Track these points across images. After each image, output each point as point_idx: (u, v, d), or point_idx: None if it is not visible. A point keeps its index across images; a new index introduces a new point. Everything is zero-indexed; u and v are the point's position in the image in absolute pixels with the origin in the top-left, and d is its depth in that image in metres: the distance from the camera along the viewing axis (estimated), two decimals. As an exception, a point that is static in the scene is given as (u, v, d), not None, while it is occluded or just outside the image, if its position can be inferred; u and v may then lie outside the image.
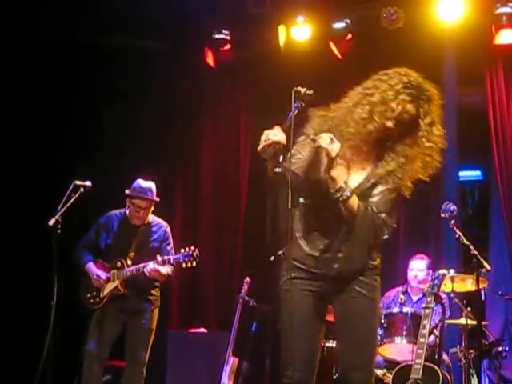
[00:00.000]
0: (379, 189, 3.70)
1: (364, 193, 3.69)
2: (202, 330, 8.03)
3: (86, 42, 8.22)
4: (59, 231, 5.62)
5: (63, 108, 8.16)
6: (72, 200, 5.77)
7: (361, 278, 3.76)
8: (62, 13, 7.83)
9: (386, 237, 3.68)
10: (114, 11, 7.76)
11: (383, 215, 3.64)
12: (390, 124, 3.67)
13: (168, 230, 6.60)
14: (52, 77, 8.02)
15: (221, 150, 9.01)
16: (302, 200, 3.84)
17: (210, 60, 8.53)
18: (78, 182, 5.84)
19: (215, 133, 9.06)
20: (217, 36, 8.35)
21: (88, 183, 5.90)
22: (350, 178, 3.72)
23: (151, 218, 6.55)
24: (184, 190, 8.97)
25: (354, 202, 3.62)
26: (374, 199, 3.68)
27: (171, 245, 6.56)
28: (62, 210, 5.69)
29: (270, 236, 3.91)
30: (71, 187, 5.80)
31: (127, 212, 6.51)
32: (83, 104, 8.23)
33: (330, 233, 3.74)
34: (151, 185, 6.45)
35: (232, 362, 7.30)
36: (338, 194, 3.60)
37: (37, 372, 5.51)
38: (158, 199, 6.48)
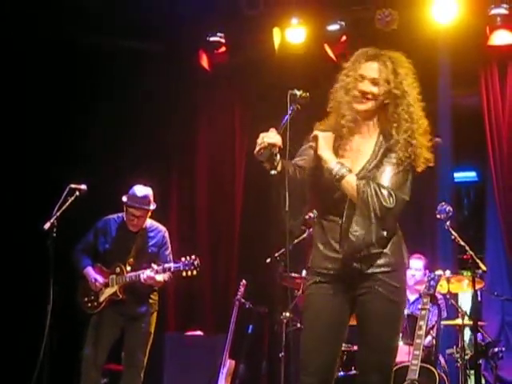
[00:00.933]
0: (383, 167, 3.72)
1: (369, 174, 3.72)
2: (199, 332, 8.02)
3: (82, 43, 8.21)
4: (55, 235, 5.62)
5: (60, 110, 8.15)
6: (67, 203, 5.77)
7: (384, 278, 3.70)
8: (60, 13, 7.82)
9: (391, 206, 3.62)
10: (110, 13, 7.76)
11: (387, 186, 3.65)
12: (365, 88, 3.76)
13: (166, 234, 6.59)
14: (49, 77, 8.01)
15: (216, 152, 9.01)
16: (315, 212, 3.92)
17: (204, 62, 8.52)
18: (73, 186, 5.85)
19: (210, 135, 9.06)
20: (211, 38, 8.36)
21: (83, 187, 5.90)
22: (358, 163, 3.77)
23: (149, 222, 6.54)
24: (180, 193, 8.97)
25: (351, 179, 3.65)
26: (379, 176, 3.70)
27: (169, 250, 6.55)
28: (58, 214, 5.69)
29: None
30: (66, 191, 5.81)
31: (125, 217, 6.51)
32: (80, 105, 8.22)
33: (342, 231, 3.72)
34: (147, 192, 6.41)
35: (228, 364, 7.29)
36: (333, 173, 3.65)
37: (33, 376, 5.51)
38: (152, 207, 6.45)
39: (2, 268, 7.73)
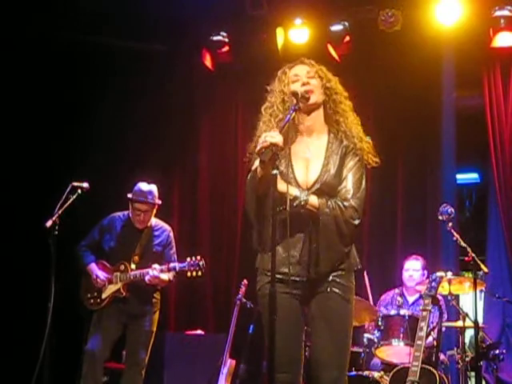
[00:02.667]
0: (345, 173, 3.79)
1: (327, 184, 3.78)
2: (200, 331, 8.02)
3: (84, 42, 8.21)
4: (56, 233, 5.63)
5: (62, 108, 8.16)
6: (69, 201, 5.78)
7: (337, 279, 3.78)
8: (60, 13, 7.82)
9: (357, 222, 3.74)
10: (114, 13, 7.77)
11: (351, 201, 3.73)
12: (305, 81, 3.85)
13: (171, 234, 6.61)
14: (50, 77, 8.01)
15: (218, 152, 9.01)
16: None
17: (207, 62, 8.53)
18: (75, 184, 5.86)
19: (213, 135, 9.06)
20: (215, 38, 8.36)
21: (85, 185, 5.90)
22: (313, 167, 3.82)
23: (154, 221, 6.56)
24: (182, 192, 8.96)
25: (314, 201, 3.71)
26: (342, 186, 3.77)
27: (174, 249, 6.57)
28: (60, 212, 5.70)
29: (256, 242, 3.91)
30: (68, 189, 5.81)
31: (130, 215, 6.52)
32: (82, 104, 8.22)
33: (301, 238, 3.77)
34: (152, 188, 6.47)
35: (229, 363, 7.29)
36: (296, 203, 3.67)
37: (33, 375, 5.51)
38: (159, 202, 6.49)
39: (4, 266, 7.74)
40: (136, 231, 6.50)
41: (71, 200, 5.80)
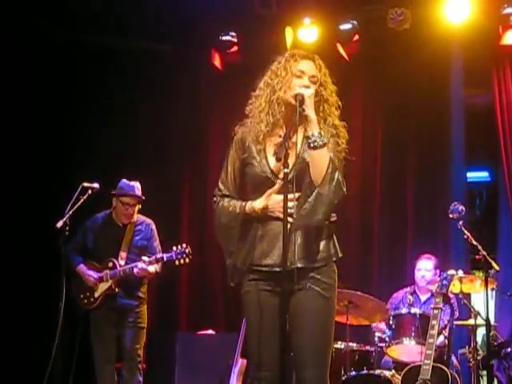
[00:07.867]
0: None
1: (303, 170, 3.69)
2: (211, 331, 8.03)
3: (91, 43, 8.23)
4: (67, 233, 5.65)
5: (72, 108, 8.19)
6: (80, 202, 5.81)
7: (317, 276, 3.68)
8: (65, 13, 7.84)
9: (344, 192, 3.62)
10: (123, 12, 7.78)
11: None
12: (306, 83, 3.78)
13: (153, 227, 6.68)
14: (57, 78, 8.04)
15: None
16: None
17: (216, 62, 8.54)
18: (85, 184, 5.90)
19: (221, 135, 9.05)
20: (224, 38, 8.38)
21: (96, 185, 5.94)
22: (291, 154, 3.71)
23: (136, 217, 6.61)
24: (191, 192, 8.96)
25: (326, 152, 3.63)
26: None
27: (157, 241, 6.64)
28: (70, 212, 5.73)
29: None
30: (79, 189, 5.84)
31: (112, 213, 6.57)
32: (92, 105, 8.24)
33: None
34: (137, 184, 6.53)
35: (240, 363, 7.28)
36: (312, 138, 3.62)
37: (45, 375, 5.54)
38: (143, 197, 6.55)
39: (15, 267, 7.76)
40: (119, 228, 6.56)
41: (82, 201, 5.83)
